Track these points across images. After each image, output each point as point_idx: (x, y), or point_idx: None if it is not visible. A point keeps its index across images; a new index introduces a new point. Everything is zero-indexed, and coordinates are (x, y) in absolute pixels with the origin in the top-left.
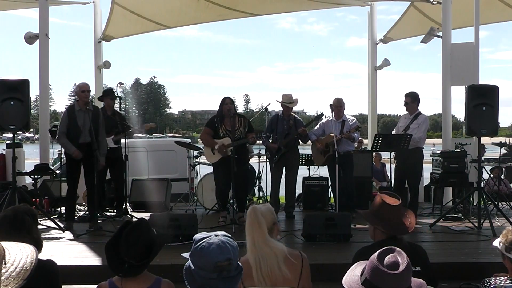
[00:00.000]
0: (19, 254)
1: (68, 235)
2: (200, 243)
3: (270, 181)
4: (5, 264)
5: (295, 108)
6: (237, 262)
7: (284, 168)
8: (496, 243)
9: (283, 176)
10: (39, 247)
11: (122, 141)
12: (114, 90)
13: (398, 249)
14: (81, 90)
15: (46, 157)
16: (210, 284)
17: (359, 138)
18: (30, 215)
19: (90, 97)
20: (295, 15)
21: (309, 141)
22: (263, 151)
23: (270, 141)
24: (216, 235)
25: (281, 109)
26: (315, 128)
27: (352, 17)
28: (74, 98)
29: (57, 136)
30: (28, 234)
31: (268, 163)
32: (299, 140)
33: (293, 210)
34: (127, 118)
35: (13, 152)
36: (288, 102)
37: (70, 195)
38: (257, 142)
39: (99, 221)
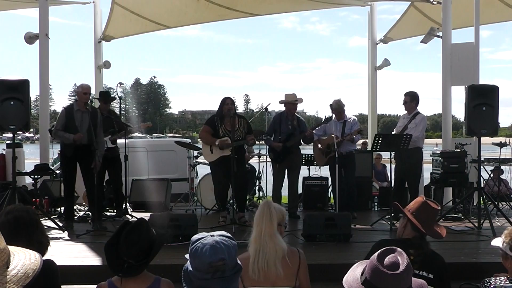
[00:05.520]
0: (23, 260)
1: (68, 235)
2: (195, 244)
3: (270, 181)
4: (7, 268)
5: None
6: (234, 262)
7: (287, 169)
8: (496, 242)
9: (285, 177)
10: (47, 246)
11: (120, 141)
12: (114, 91)
13: (398, 249)
14: (84, 92)
15: (46, 157)
16: (205, 284)
17: (363, 140)
18: (37, 215)
19: (91, 97)
20: (297, 15)
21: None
22: (263, 151)
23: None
24: (211, 236)
25: (283, 109)
26: (317, 128)
27: (355, 16)
28: (74, 98)
29: (53, 133)
30: (43, 235)
31: (268, 163)
32: (301, 141)
33: (297, 210)
34: (124, 117)
35: (13, 152)
36: (293, 100)
37: (67, 195)
38: (257, 142)
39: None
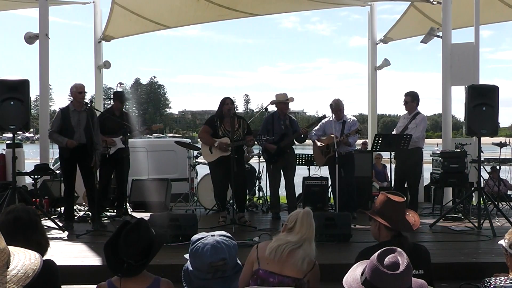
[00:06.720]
0: (23, 260)
1: (68, 235)
2: (195, 244)
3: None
4: (7, 268)
5: (295, 108)
6: (235, 262)
7: (282, 169)
8: (501, 241)
9: (281, 177)
10: (46, 248)
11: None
12: (114, 91)
13: (398, 249)
14: (79, 91)
15: (46, 157)
16: (205, 284)
17: (363, 140)
18: (38, 216)
19: (90, 97)
20: (298, 15)
21: (309, 141)
22: None
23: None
24: (212, 236)
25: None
26: (316, 128)
27: (355, 16)
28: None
29: (49, 135)
30: (42, 236)
31: (266, 164)
32: (295, 141)
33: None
34: (136, 118)
35: (13, 152)
36: (284, 99)
37: (67, 195)
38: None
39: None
